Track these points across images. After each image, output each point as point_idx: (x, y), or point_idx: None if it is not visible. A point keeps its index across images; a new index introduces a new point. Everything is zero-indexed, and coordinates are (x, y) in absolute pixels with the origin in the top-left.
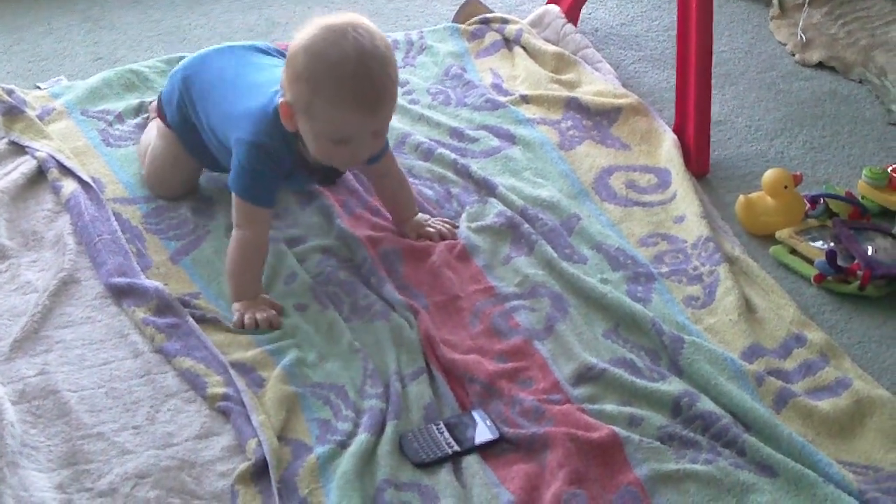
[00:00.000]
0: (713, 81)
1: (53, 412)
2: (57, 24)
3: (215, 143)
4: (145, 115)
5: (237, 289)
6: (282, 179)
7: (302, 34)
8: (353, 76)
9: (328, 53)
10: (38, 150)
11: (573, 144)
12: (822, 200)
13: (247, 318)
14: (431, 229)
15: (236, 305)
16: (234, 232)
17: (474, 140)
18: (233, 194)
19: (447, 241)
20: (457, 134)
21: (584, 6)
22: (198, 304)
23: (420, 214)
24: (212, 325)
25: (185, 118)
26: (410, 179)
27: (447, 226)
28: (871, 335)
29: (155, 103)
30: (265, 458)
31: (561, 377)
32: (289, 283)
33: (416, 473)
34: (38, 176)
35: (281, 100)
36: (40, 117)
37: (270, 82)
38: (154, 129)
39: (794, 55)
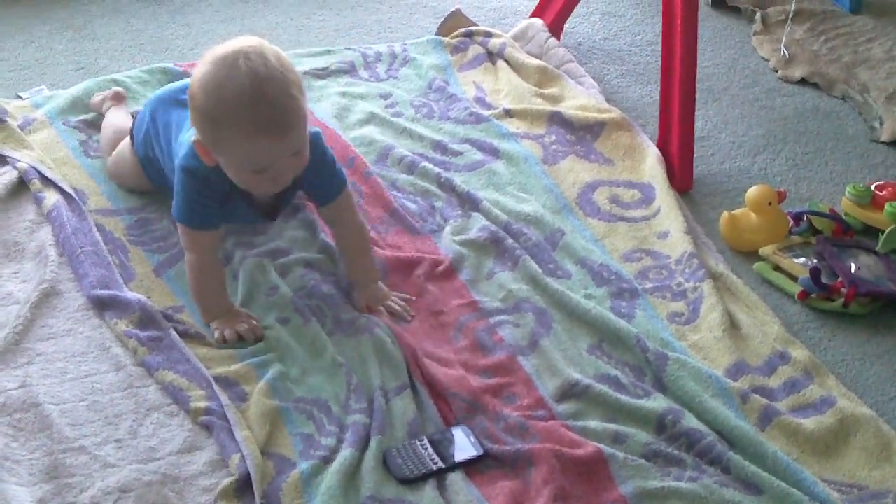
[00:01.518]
0: (696, 97)
1: (35, 425)
2: (38, 34)
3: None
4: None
5: (204, 310)
6: (217, 204)
7: (197, 70)
8: (253, 106)
9: (222, 87)
10: (19, 161)
11: (557, 159)
12: (805, 217)
13: (227, 333)
14: (382, 309)
15: (213, 324)
16: (185, 256)
17: (458, 154)
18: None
19: (432, 257)
20: (440, 147)
21: (567, 20)
22: (181, 319)
23: (379, 285)
24: (195, 339)
25: (149, 155)
26: (393, 193)
27: (402, 304)
28: (855, 353)
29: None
30: (248, 474)
31: (545, 393)
32: (270, 296)
33: (400, 490)
34: (20, 186)
35: (193, 138)
36: (21, 127)
37: None
38: (121, 120)
39: (776, 71)
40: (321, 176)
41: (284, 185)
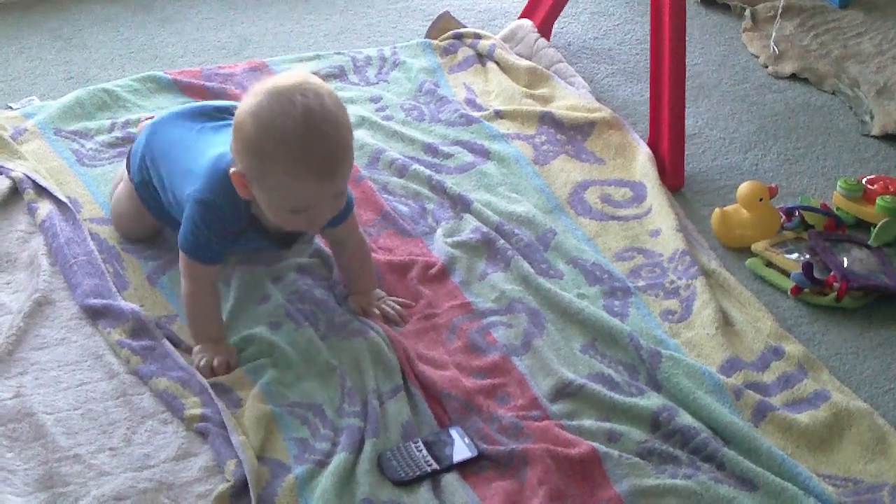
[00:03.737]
0: (687, 94)
1: (29, 435)
2: (28, 44)
3: (174, 202)
4: (118, 136)
5: (194, 332)
6: (230, 240)
7: (248, 100)
8: (306, 145)
9: (277, 122)
10: (12, 171)
11: (548, 159)
12: (797, 212)
13: (202, 362)
14: (376, 311)
15: (196, 348)
16: (182, 281)
17: (449, 156)
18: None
19: (425, 259)
20: (431, 150)
21: (556, 20)
22: (173, 329)
23: (377, 291)
24: (187, 350)
25: (145, 179)
26: (384, 196)
27: (397, 308)
28: (849, 347)
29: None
30: (244, 479)
31: (539, 393)
32: (261, 304)
33: (395, 492)
34: (11, 197)
35: (233, 170)
36: (13, 138)
37: (227, 141)
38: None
39: (766, 67)
40: None
41: (321, 226)
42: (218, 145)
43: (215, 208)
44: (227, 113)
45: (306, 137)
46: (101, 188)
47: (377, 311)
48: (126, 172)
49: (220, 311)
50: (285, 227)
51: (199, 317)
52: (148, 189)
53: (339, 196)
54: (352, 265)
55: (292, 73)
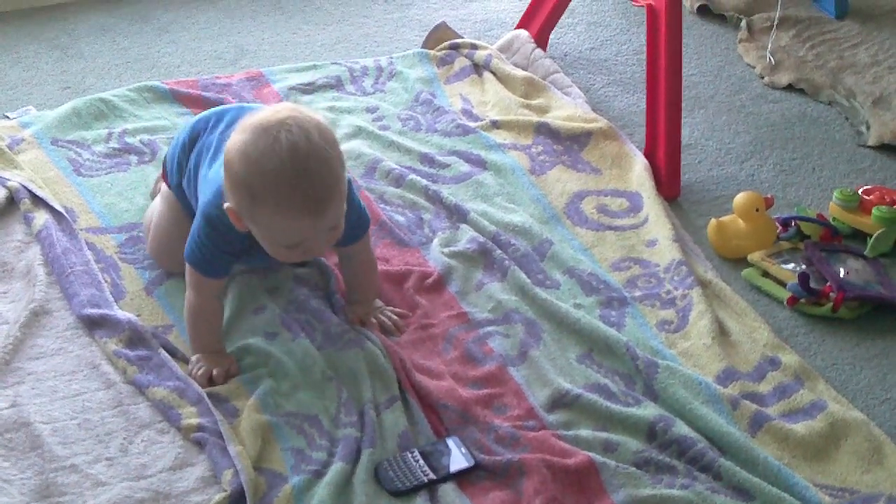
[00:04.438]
0: (683, 105)
1: (26, 445)
2: (24, 53)
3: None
4: (115, 146)
5: (194, 344)
6: (234, 256)
7: (236, 137)
8: (293, 184)
9: (263, 161)
10: (9, 180)
11: (544, 169)
12: (793, 223)
13: (201, 371)
14: (373, 320)
15: (194, 357)
16: (186, 291)
17: (445, 166)
18: None
19: (421, 269)
20: (427, 160)
21: (553, 31)
22: (170, 339)
23: (376, 302)
24: (183, 359)
25: (182, 179)
26: (381, 206)
27: (393, 318)
28: (845, 357)
29: (159, 176)
30: (240, 489)
31: (535, 403)
32: (257, 314)
33: (392, 502)
34: (8, 206)
35: (226, 205)
36: (9, 147)
37: None
38: (158, 197)
39: (762, 78)
40: (348, 221)
41: (318, 255)
42: None
43: (219, 225)
44: None
45: (293, 176)
46: (97, 198)
47: (374, 321)
48: (161, 194)
49: (222, 324)
50: (283, 260)
51: (200, 328)
52: (184, 194)
53: (333, 229)
54: (356, 277)
55: (279, 108)
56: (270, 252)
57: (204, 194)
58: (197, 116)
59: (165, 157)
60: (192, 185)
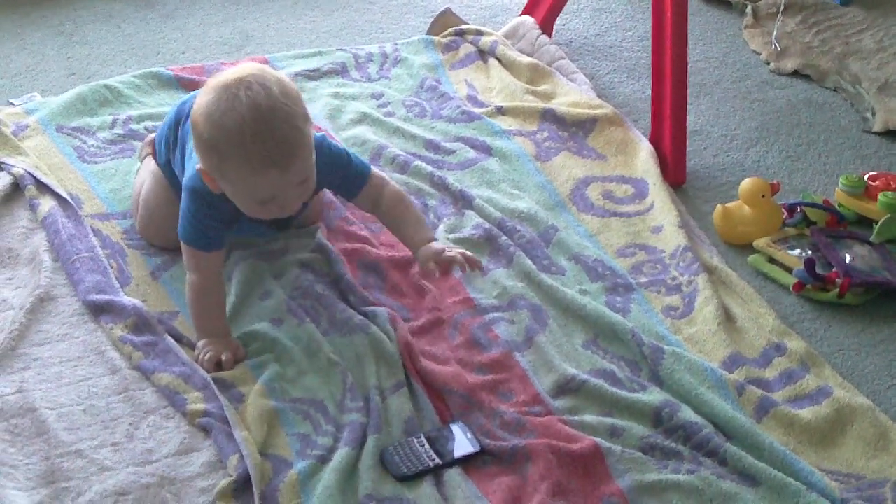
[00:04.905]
0: (688, 91)
1: (31, 430)
2: (30, 40)
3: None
4: (119, 132)
5: (199, 328)
6: (224, 225)
7: (200, 98)
8: (254, 138)
9: (224, 120)
10: (14, 167)
11: (549, 156)
12: (799, 209)
13: (208, 356)
14: (449, 255)
15: (201, 343)
16: (187, 275)
17: (450, 152)
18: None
19: None
20: (433, 146)
21: (558, 17)
22: (175, 325)
23: (435, 243)
24: (189, 345)
25: (170, 154)
26: None
27: (466, 253)
28: (851, 343)
29: (147, 140)
30: (246, 474)
31: (541, 389)
32: (263, 300)
33: (398, 488)
34: (13, 193)
35: (197, 166)
36: (14, 134)
37: None
38: (145, 170)
39: (768, 64)
40: (337, 174)
41: (293, 212)
42: None
43: (204, 195)
44: None
45: (255, 132)
46: (102, 184)
47: (454, 256)
48: (150, 170)
49: (225, 306)
50: (258, 216)
51: (204, 311)
52: (173, 171)
53: (303, 182)
54: (398, 217)
55: (241, 67)
56: (244, 210)
57: (187, 172)
58: (186, 95)
59: (156, 136)
60: (180, 163)
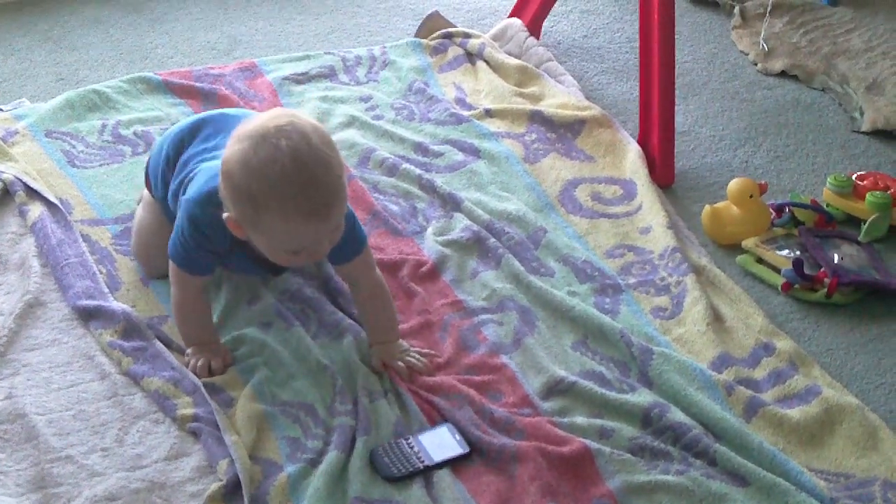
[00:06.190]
0: (676, 92)
1: (21, 436)
2: (18, 46)
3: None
4: (108, 138)
5: (185, 337)
6: (215, 258)
7: (234, 147)
8: (297, 191)
9: (264, 170)
10: (3, 173)
11: (538, 157)
12: (787, 209)
13: (199, 363)
14: (400, 364)
15: (190, 350)
16: (171, 289)
17: (439, 155)
18: None
19: (416, 257)
20: (421, 149)
21: (546, 19)
22: (164, 330)
23: (400, 342)
24: (178, 350)
25: (168, 193)
26: (375, 195)
27: (422, 360)
28: (840, 342)
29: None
30: (236, 478)
31: (530, 391)
32: (252, 304)
33: (387, 490)
34: (2, 198)
35: (226, 215)
36: (3, 140)
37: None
38: (141, 204)
39: (756, 64)
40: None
41: (319, 259)
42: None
43: (202, 226)
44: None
45: (297, 183)
46: (91, 189)
47: (401, 364)
48: (143, 199)
49: (211, 315)
50: (284, 265)
51: (189, 323)
52: (168, 200)
53: (335, 230)
54: (369, 310)
55: (275, 114)
56: (272, 258)
57: (191, 190)
58: (176, 128)
59: (148, 166)
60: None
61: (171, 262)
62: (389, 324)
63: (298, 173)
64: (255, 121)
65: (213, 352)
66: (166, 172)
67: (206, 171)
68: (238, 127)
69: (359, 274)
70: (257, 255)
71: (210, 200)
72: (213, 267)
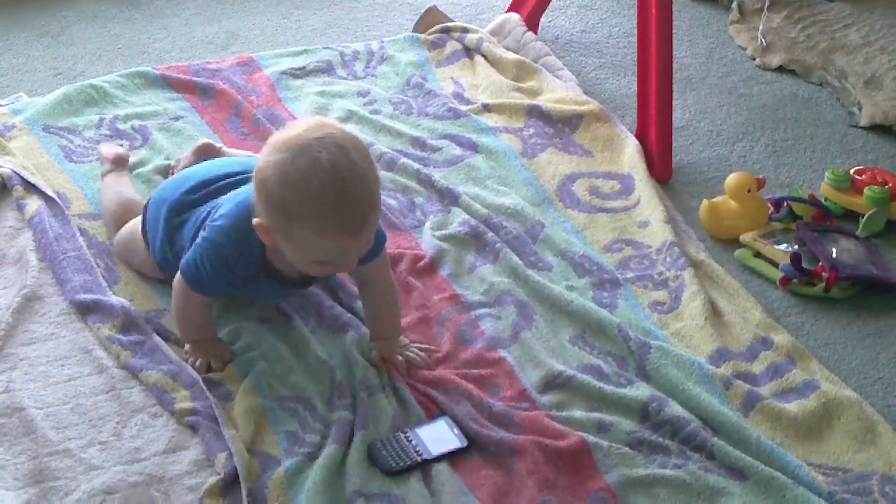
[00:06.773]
0: (674, 87)
1: (19, 430)
2: (15, 40)
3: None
4: (106, 132)
5: (183, 333)
6: (235, 285)
7: (270, 157)
8: (335, 206)
9: (302, 182)
10: (1, 167)
11: (536, 152)
12: (785, 203)
13: (199, 361)
14: (399, 358)
15: (188, 346)
16: (172, 294)
17: (437, 149)
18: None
19: (414, 252)
20: (419, 143)
21: (543, 13)
22: (163, 323)
23: (401, 339)
24: (176, 343)
25: (168, 255)
26: None
27: (421, 355)
28: (837, 336)
29: (105, 154)
30: (234, 472)
31: (528, 385)
32: (251, 302)
33: (385, 483)
34: (0, 193)
35: (256, 220)
36: (1, 134)
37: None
38: (126, 193)
39: (754, 59)
40: None
41: (348, 270)
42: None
43: (226, 252)
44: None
45: (334, 200)
46: (89, 184)
47: (401, 359)
48: (143, 238)
49: (209, 314)
50: (312, 273)
51: (189, 325)
52: (172, 266)
53: (367, 244)
54: (377, 308)
55: (313, 124)
56: (298, 266)
57: (215, 220)
58: (172, 199)
59: (145, 214)
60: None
61: (179, 275)
62: (394, 321)
63: (336, 190)
64: (293, 130)
65: (212, 350)
66: (166, 250)
67: (232, 198)
68: (275, 134)
69: (374, 273)
70: (280, 276)
71: (241, 227)
72: (221, 294)
